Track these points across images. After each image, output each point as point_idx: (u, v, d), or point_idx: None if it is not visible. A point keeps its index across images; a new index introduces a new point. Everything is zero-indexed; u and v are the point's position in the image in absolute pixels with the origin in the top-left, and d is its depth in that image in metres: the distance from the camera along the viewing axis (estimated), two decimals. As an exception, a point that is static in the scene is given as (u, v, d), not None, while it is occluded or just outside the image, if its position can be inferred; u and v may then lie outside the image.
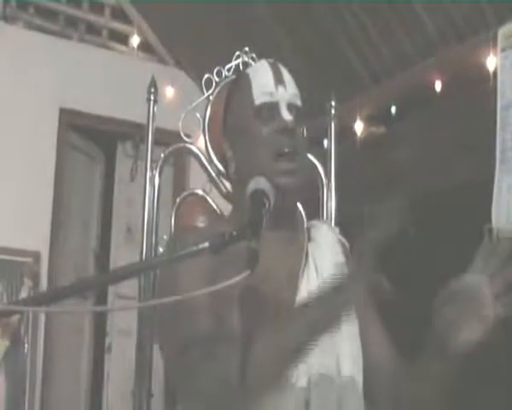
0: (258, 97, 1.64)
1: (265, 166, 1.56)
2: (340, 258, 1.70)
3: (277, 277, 1.56)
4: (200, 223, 1.96)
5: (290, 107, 1.65)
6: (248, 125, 1.64)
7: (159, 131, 2.02)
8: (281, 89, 1.65)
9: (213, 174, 1.98)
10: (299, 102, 1.67)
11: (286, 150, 1.59)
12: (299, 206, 1.87)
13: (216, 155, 1.97)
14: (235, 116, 1.71)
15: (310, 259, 1.64)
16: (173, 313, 1.51)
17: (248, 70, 1.77)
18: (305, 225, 1.75)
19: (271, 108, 1.64)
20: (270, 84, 1.66)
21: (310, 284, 1.60)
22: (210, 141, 1.99)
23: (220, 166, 1.95)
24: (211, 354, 1.43)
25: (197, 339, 1.46)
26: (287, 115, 1.63)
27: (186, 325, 1.48)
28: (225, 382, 1.40)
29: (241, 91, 1.70)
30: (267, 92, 1.64)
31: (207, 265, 1.46)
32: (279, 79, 1.67)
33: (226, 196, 1.96)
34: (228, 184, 1.94)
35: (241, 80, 1.74)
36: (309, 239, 1.70)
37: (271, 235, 1.48)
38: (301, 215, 1.83)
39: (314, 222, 1.80)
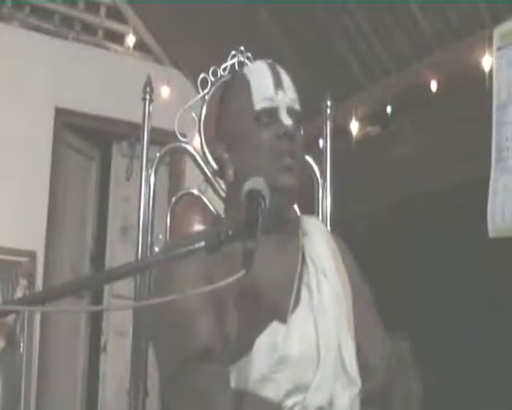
0: (259, 103, 1.64)
1: (265, 168, 1.56)
2: (333, 246, 1.72)
3: (274, 278, 1.57)
4: (196, 223, 1.96)
5: (290, 111, 1.65)
6: (248, 129, 1.64)
7: (154, 131, 2.02)
8: (280, 93, 1.65)
9: (209, 174, 1.99)
10: (298, 107, 1.68)
11: (286, 159, 1.60)
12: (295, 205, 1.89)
13: (211, 154, 1.97)
14: (233, 120, 1.69)
15: (306, 255, 1.66)
16: (169, 332, 1.54)
17: (246, 71, 1.75)
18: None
19: (271, 112, 1.64)
20: (269, 88, 1.65)
21: (309, 280, 1.62)
22: (205, 140, 1.99)
23: (216, 166, 1.95)
24: (205, 373, 1.47)
25: (192, 358, 1.48)
26: (287, 120, 1.63)
27: (182, 346, 1.51)
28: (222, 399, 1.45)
29: (239, 95, 1.69)
30: (267, 97, 1.64)
31: (204, 274, 1.49)
32: (278, 83, 1.66)
33: (221, 196, 1.97)
34: (223, 184, 1.94)
35: (239, 83, 1.72)
36: (303, 234, 1.71)
37: (269, 236, 1.51)
38: (296, 214, 1.83)
39: (302, 216, 1.82)
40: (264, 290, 1.53)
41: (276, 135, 1.61)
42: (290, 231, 1.69)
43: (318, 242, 1.69)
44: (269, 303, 1.54)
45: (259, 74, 1.69)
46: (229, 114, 1.71)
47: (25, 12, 4.94)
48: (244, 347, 1.51)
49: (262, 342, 1.51)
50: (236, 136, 1.67)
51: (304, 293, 1.60)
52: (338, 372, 1.55)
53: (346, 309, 1.63)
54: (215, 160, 1.93)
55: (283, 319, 1.55)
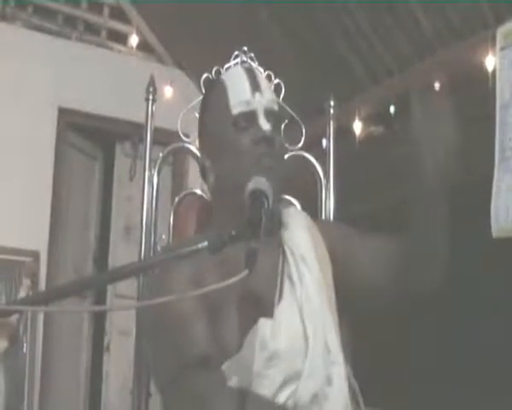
0: (235, 107, 1.63)
1: (245, 173, 1.54)
2: (314, 232, 1.72)
3: (261, 276, 1.57)
4: (199, 223, 1.96)
5: (267, 113, 1.64)
6: (226, 135, 1.63)
7: (157, 131, 2.02)
8: (258, 95, 1.64)
9: (212, 174, 1.98)
10: (276, 108, 1.67)
11: (265, 160, 1.60)
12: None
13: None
14: (212, 126, 1.69)
15: (286, 248, 1.66)
16: (166, 336, 1.54)
17: (223, 77, 1.75)
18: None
19: (249, 116, 1.63)
20: (246, 92, 1.65)
21: (291, 272, 1.62)
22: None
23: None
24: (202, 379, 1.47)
25: (191, 364, 1.49)
26: (265, 124, 1.62)
27: (180, 351, 1.51)
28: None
29: (217, 101, 1.68)
30: (244, 101, 1.63)
31: (194, 278, 1.51)
32: (255, 86, 1.66)
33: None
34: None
35: (216, 89, 1.71)
36: (283, 228, 1.71)
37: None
38: (278, 210, 1.81)
39: (282, 210, 1.80)
40: (252, 289, 1.54)
41: (255, 140, 1.61)
42: (271, 234, 1.67)
43: (297, 232, 1.69)
44: (257, 301, 1.56)
45: (236, 79, 1.68)
46: (209, 121, 1.71)
47: (28, 12, 4.95)
48: (236, 345, 1.52)
49: (251, 339, 1.51)
50: (216, 142, 1.66)
51: (286, 286, 1.61)
52: (326, 360, 1.56)
53: (327, 296, 1.64)
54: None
55: (271, 315, 1.55)
